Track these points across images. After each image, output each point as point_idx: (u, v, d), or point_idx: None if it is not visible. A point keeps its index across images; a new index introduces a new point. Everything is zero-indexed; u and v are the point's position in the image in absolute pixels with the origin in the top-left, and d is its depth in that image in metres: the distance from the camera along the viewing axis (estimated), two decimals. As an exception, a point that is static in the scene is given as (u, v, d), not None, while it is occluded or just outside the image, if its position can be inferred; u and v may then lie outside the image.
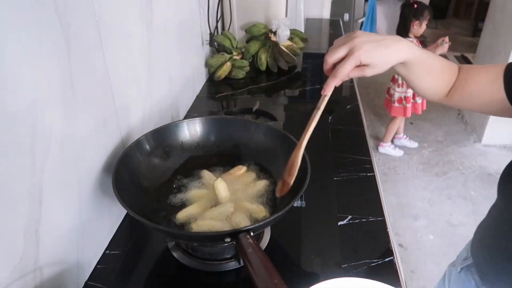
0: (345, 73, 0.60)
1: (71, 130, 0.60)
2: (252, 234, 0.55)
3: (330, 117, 1.20)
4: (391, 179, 2.54)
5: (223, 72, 1.44)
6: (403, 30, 2.52)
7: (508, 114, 0.65)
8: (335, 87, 0.63)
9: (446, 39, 2.42)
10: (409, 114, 2.62)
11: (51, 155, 0.55)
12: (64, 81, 0.57)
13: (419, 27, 2.46)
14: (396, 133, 2.86)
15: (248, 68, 1.50)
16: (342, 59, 0.60)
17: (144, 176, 0.75)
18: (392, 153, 2.81)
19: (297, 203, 0.64)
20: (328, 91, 0.63)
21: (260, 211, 0.70)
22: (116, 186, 0.62)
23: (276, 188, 0.70)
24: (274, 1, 1.65)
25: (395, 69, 0.66)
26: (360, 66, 0.60)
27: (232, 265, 0.69)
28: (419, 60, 0.64)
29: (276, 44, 1.53)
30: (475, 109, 0.71)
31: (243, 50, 1.55)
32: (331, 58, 0.61)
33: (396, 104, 2.61)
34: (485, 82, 0.66)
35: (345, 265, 0.70)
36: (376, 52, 0.60)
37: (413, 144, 2.89)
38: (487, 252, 0.73)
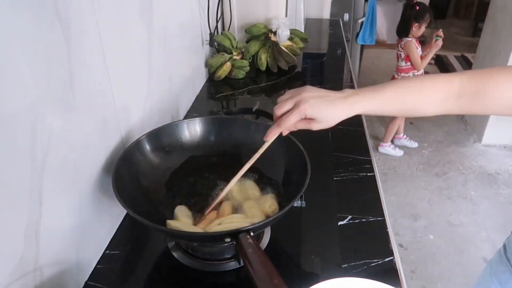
0: (288, 124, 0.63)
1: (71, 130, 0.60)
2: (252, 234, 0.55)
3: (330, 117, 1.20)
4: (391, 179, 2.54)
5: (223, 72, 1.44)
6: (403, 30, 2.52)
7: None
8: None
9: (440, 33, 2.40)
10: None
11: (51, 155, 0.55)
12: (64, 81, 0.57)
13: (418, 29, 2.45)
14: (396, 133, 2.86)
15: (248, 68, 1.50)
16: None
17: (144, 176, 0.75)
18: (392, 153, 2.80)
19: (297, 203, 0.64)
20: (270, 138, 0.66)
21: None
22: (116, 186, 0.62)
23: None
24: (274, 1, 1.65)
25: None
26: (306, 119, 0.63)
27: (232, 265, 0.69)
28: (379, 105, 0.64)
29: (276, 44, 1.54)
30: (497, 112, 0.69)
31: (243, 50, 1.55)
32: (279, 111, 0.64)
33: None
34: (510, 86, 0.64)
35: (345, 265, 0.70)
36: (321, 107, 0.62)
37: (413, 144, 2.88)
38: None
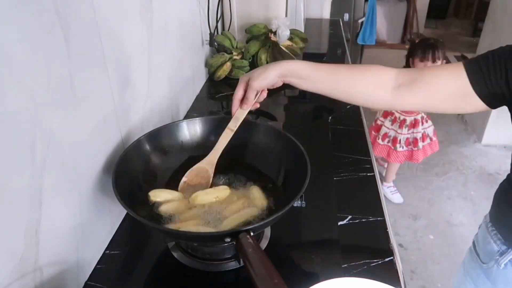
0: (238, 95, 0.76)
1: (71, 130, 0.60)
2: (252, 234, 0.55)
3: (330, 117, 1.20)
4: (391, 179, 2.54)
5: (223, 72, 1.44)
6: (407, 63, 2.24)
7: (471, 107, 0.67)
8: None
9: None
10: (396, 159, 2.18)
11: (51, 155, 0.55)
12: (64, 81, 0.57)
13: (418, 64, 2.07)
14: (384, 179, 2.38)
15: (248, 68, 1.50)
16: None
17: (144, 176, 0.75)
18: (389, 196, 2.33)
19: (297, 203, 0.64)
20: (234, 111, 0.78)
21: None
22: (116, 186, 0.62)
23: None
24: (274, 1, 1.65)
25: (301, 87, 0.76)
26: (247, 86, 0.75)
27: (232, 265, 0.69)
28: (305, 68, 0.75)
29: (276, 44, 1.53)
30: (434, 107, 0.71)
31: (243, 50, 1.55)
32: (235, 100, 0.78)
33: (381, 142, 2.19)
34: (446, 78, 0.67)
35: (345, 265, 0.70)
36: (254, 70, 0.76)
37: (396, 199, 2.32)
38: None
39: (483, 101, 0.65)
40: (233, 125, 0.77)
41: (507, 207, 0.75)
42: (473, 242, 0.88)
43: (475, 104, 0.66)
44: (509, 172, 0.76)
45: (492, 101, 0.65)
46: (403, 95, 0.70)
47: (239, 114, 0.78)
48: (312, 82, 0.74)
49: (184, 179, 0.75)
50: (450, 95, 0.67)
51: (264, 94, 0.78)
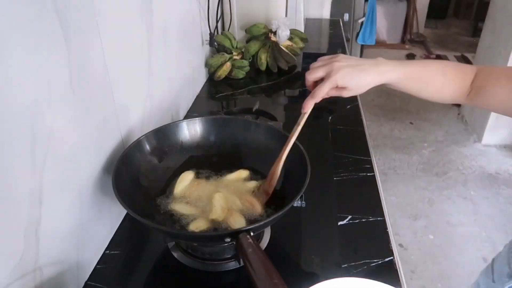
0: (322, 94, 0.66)
1: (71, 130, 0.60)
2: (252, 234, 0.55)
3: (330, 117, 1.20)
4: (391, 179, 2.54)
5: (223, 72, 1.44)
6: None
7: None
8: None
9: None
10: None
11: (51, 155, 0.55)
12: (64, 81, 0.57)
13: None
14: None
15: (248, 68, 1.50)
16: (322, 79, 0.67)
17: (144, 176, 0.75)
18: None
19: (297, 203, 0.64)
20: (307, 109, 0.70)
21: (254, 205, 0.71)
22: (116, 186, 0.62)
23: (257, 197, 0.72)
24: (274, 1, 1.65)
25: (389, 87, 0.70)
26: (338, 88, 0.67)
27: (232, 265, 0.69)
28: (406, 78, 0.68)
29: (276, 44, 1.53)
30: (499, 111, 0.70)
31: (243, 50, 1.55)
32: (311, 76, 0.68)
33: None
34: (509, 89, 0.65)
35: (345, 265, 0.70)
36: (353, 76, 0.65)
37: None
38: None
39: None
40: (302, 123, 0.70)
41: None
42: (493, 259, 0.87)
43: None
44: None
45: None
46: (472, 98, 0.70)
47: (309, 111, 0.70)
48: (403, 89, 0.70)
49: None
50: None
51: None
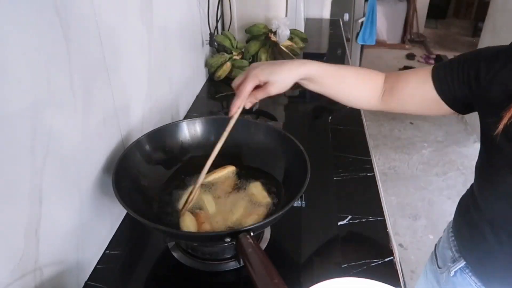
0: (245, 91, 0.67)
1: (71, 130, 0.60)
2: (252, 234, 0.55)
3: (330, 117, 1.20)
4: (391, 179, 2.54)
5: (223, 72, 1.44)
6: None
7: (443, 111, 0.68)
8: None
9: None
10: None
11: (51, 155, 0.55)
12: (64, 81, 0.57)
13: None
14: None
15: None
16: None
17: (144, 176, 0.75)
18: None
19: (297, 203, 0.64)
20: (234, 111, 0.68)
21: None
22: (116, 186, 0.62)
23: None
24: (274, 1, 1.65)
25: (308, 88, 0.72)
26: (263, 87, 0.68)
27: (232, 265, 0.69)
28: (324, 73, 0.71)
29: (276, 44, 1.53)
30: (412, 111, 0.74)
31: (243, 50, 1.55)
32: (234, 84, 0.69)
33: None
34: (415, 84, 0.70)
35: (345, 265, 0.70)
36: (272, 69, 0.67)
37: None
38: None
39: (449, 106, 0.67)
40: (229, 128, 0.70)
41: (464, 214, 0.75)
42: (435, 245, 0.88)
43: (443, 108, 0.68)
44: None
45: (458, 107, 0.67)
46: (386, 99, 0.74)
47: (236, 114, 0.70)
48: (322, 87, 0.73)
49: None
50: (420, 99, 0.70)
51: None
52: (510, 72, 0.56)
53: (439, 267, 0.82)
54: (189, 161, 0.83)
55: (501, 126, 0.55)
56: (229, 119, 0.69)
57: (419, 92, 0.69)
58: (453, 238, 0.78)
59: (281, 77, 0.67)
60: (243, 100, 0.68)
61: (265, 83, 0.68)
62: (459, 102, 0.66)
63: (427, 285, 0.89)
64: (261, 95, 0.69)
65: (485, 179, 0.66)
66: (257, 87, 0.69)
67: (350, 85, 0.74)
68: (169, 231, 0.64)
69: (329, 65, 0.73)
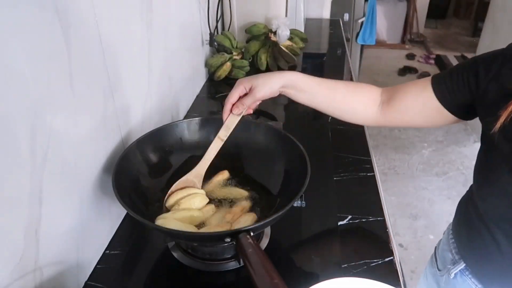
0: (231, 99, 0.73)
1: (71, 130, 0.60)
2: (252, 234, 0.55)
3: (330, 117, 1.20)
4: (391, 179, 2.54)
5: (223, 72, 1.44)
6: None
7: (444, 119, 0.68)
8: None
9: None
10: None
11: (51, 155, 0.55)
12: (64, 81, 0.57)
13: None
14: None
15: (248, 68, 1.50)
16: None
17: (144, 176, 0.75)
18: None
19: (297, 203, 0.64)
20: (224, 118, 0.75)
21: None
22: (116, 186, 0.62)
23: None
24: (274, 1, 1.65)
25: (298, 100, 0.74)
26: (249, 94, 0.72)
27: (232, 265, 0.69)
28: (311, 81, 0.73)
29: (276, 44, 1.54)
30: (413, 122, 0.74)
31: (243, 50, 1.55)
32: (228, 101, 0.74)
33: None
34: (415, 93, 0.70)
35: (345, 265, 0.70)
36: (258, 76, 0.72)
37: None
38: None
39: (451, 113, 0.67)
40: (224, 134, 0.74)
41: (463, 214, 0.75)
42: (435, 247, 0.88)
43: (444, 117, 0.67)
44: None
45: (461, 113, 0.67)
46: (384, 112, 0.74)
47: (231, 122, 0.74)
48: (311, 96, 0.74)
49: (169, 192, 0.73)
50: (420, 109, 0.69)
51: (257, 103, 0.75)
52: (507, 72, 0.58)
53: (439, 270, 0.82)
54: (189, 161, 0.83)
55: (497, 125, 0.56)
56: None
57: (419, 101, 0.69)
58: (453, 240, 0.78)
59: (264, 79, 0.71)
60: (228, 106, 0.74)
61: (250, 89, 0.72)
62: (461, 108, 0.66)
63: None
64: (248, 100, 0.72)
65: (483, 178, 0.66)
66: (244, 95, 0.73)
67: (344, 95, 0.74)
68: (169, 231, 0.64)
69: (318, 78, 0.74)
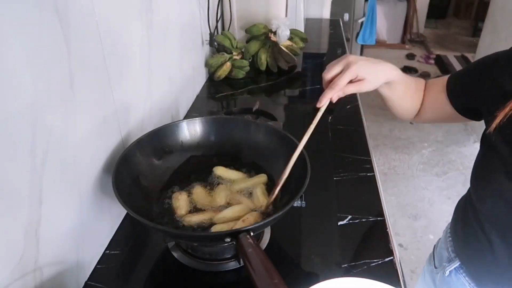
0: (342, 85, 0.64)
1: (71, 130, 0.60)
2: (252, 234, 0.55)
3: (330, 117, 1.20)
4: (391, 179, 2.54)
5: (223, 72, 1.44)
6: None
7: (459, 119, 0.72)
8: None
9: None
10: None
11: (51, 155, 0.55)
12: (64, 81, 0.57)
13: None
14: None
15: (248, 68, 1.50)
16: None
17: (144, 176, 0.75)
18: None
19: (297, 203, 0.64)
20: (324, 102, 0.66)
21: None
22: (116, 186, 0.62)
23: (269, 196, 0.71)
24: (274, 1, 1.65)
25: (380, 90, 0.73)
26: (355, 82, 0.66)
27: (232, 265, 0.69)
28: (401, 80, 0.71)
29: (276, 44, 1.53)
30: (434, 120, 0.79)
31: (243, 50, 1.55)
32: (328, 74, 0.66)
33: None
34: (435, 93, 0.73)
35: (345, 265, 0.70)
36: (370, 67, 0.66)
37: None
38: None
39: (462, 115, 0.71)
40: (316, 121, 0.67)
41: (461, 214, 0.76)
42: (434, 246, 0.88)
43: (459, 117, 0.72)
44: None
45: (471, 116, 0.70)
46: (419, 111, 0.79)
47: (324, 106, 0.67)
48: (392, 91, 0.73)
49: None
50: (437, 108, 0.74)
51: None
52: (506, 73, 0.59)
53: (435, 267, 0.82)
54: (189, 161, 0.83)
55: (493, 125, 0.57)
56: (317, 110, 0.67)
57: (437, 102, 0.73)
58: (450, 238, 0.78)
59: (377, 76, 0.67)
60: (336, 93, 0.65)
61: (359, 80, 0.66)
62: (471, 111, 0.69)
63: (424, 286, 0.89)
64: (351, 89, 0.66)
65: (480, 178, 0.67)
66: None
67: (409, 96, 0.76)
68: (169, 231, 0.64)
69: (402, 72, 0.72)
